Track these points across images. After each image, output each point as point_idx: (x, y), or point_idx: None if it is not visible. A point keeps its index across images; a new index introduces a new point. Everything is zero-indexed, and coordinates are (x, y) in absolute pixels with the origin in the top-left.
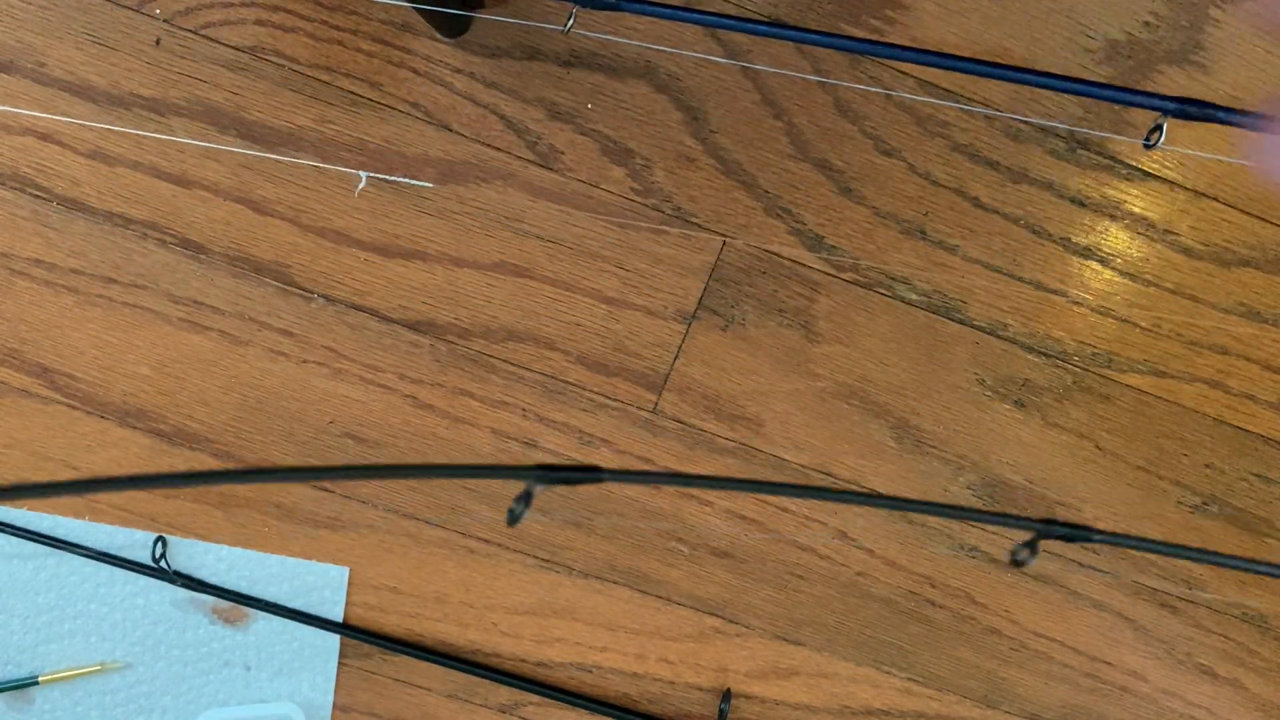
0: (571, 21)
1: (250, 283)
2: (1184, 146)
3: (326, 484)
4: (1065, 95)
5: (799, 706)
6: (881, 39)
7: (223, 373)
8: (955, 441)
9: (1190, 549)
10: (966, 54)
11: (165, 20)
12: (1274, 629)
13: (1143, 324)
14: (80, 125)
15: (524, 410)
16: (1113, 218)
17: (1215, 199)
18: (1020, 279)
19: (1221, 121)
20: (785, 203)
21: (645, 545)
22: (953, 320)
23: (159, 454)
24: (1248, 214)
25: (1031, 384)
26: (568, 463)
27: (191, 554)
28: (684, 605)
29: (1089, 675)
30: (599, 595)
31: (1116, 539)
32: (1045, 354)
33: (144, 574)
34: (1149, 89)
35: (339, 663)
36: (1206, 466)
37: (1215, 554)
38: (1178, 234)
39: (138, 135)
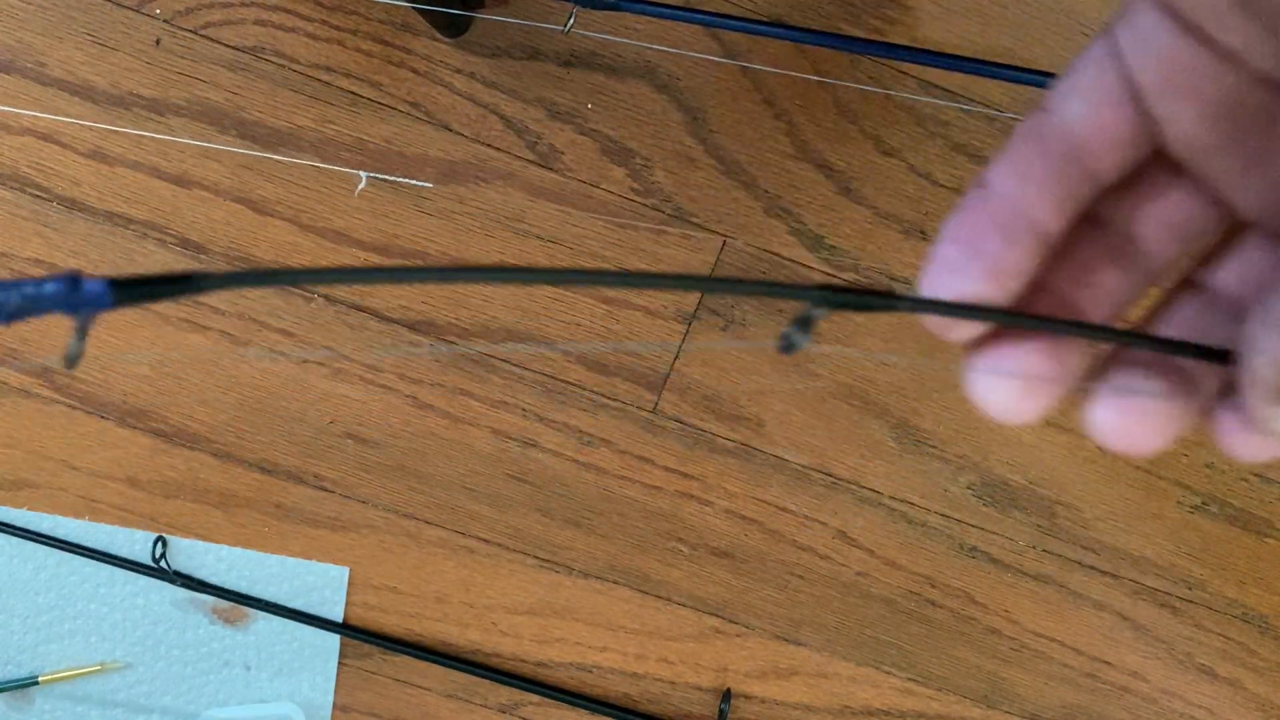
0: (571, 21)
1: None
2: None
3: (326, 484)
4: None
5: (799, 706)
6: (881, 39)
7: (223, 372)
8: (955, 441)
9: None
10: (966, 54)
11: (165, 20)
12: (1274, 629)
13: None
14: (80, 125)
15: (524, 410)
16: None
17: None
18: None
19: None
20: (785, 203)
21: (645, 545)
22: None
23: (159, 454)
24: None
25: None
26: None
27: (191, 554)
28: (684, 605)
29: (1089, 675)
30: (599, 595)
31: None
32: None
33: (144, 574)
34: None
35: (339, 663)
36: (1206, 466)
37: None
38: None
39: (138, 135)
